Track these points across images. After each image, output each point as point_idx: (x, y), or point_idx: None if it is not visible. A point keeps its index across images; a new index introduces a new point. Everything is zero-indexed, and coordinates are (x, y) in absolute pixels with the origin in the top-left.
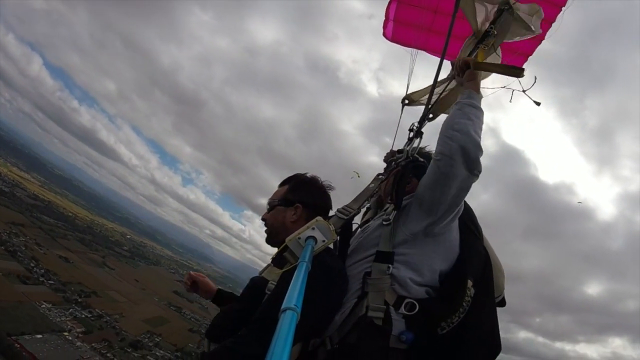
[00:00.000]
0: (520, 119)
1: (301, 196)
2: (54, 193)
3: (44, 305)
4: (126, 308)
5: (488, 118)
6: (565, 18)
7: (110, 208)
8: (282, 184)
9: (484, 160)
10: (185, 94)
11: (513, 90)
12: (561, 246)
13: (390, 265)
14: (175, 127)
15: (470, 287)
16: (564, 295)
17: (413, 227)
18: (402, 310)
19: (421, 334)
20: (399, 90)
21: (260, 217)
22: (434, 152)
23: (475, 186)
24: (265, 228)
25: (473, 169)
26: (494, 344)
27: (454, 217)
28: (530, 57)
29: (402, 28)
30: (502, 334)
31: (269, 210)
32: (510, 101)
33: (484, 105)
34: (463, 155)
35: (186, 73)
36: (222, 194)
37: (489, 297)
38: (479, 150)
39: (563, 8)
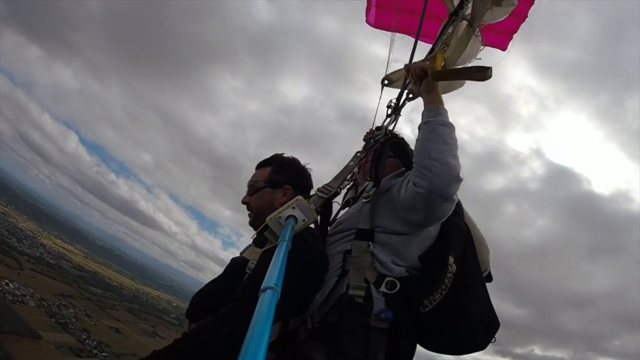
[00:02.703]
0: (562, 136)
1: (288, 177)
2: (98, 263)
3: None
4: None
5: (530, 141)
6: (584, 25)
7: (153, 276)
8: (261, 166)
9: (534, 185)
10: (221, 159)
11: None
12: (630, 258)
13: (370, 243)
14: (212, 191)
15: (452, 264)
16: None
17: (392, 226)
18: (383, 288)
19: (402, 313)
20: None
21: (241, 201)
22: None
23: (531, 213)
24: (249, 212)
25: (450, 200)
26: (489, 320)
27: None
28: (562, 71)
29: (384, 12)
30: None
31: (253, 192)
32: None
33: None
34: (442, 189)
35: (221, 139)
36: None
37: (475, 273)
38: (457, 179)
39: None
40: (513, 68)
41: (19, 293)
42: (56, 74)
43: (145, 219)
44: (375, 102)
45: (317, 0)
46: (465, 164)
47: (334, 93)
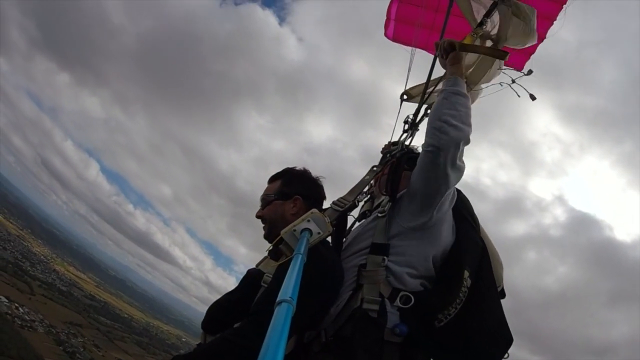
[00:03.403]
0: (585, 182)
1: (298, 188)
2: (109, 293)
3: None
4: None
5: (553, 187)
6: (610, 74)
7: (164, 310)
8: (272, 180)
9: (556, 231)
10: (241, 196)
11: (509, 83)
12: None
13: (385, 257)
14: (230, 228)
15: (467, 278)
16: None
17: (408, 220)
18: (397, 302)
19: (417, 327)
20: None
21: (255, 215)
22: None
23: (552, 260)
24: (263, 225)
25: (458, 158)
26: (503, 335)
27: (448, 207)
28: (587, 118)
29: (403, 27)
30: None
31: (264, 205)
32: (509, 87)
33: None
34: (453, 146)
35: (243, 176)
36: None
37: (490, 288)
38: (466, 140)
39: (564, 5)
40: (539, 114)
41: (28, 318)
42: (83, 102)
43: (160, 252)
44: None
45: (348, 43)
46: (487, 209)
47: (359, 135)
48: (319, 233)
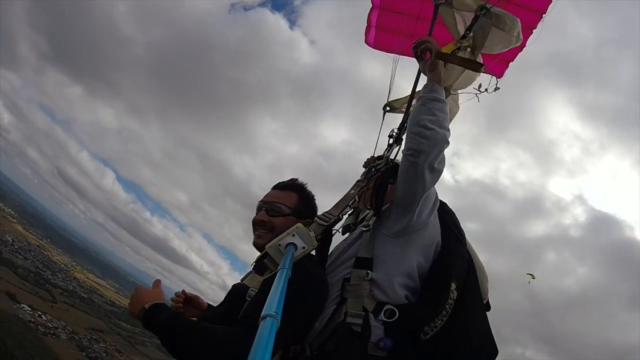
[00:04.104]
0: (606, 182)
1: (311, 212)
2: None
3: None
4: None
5: (573, 187)
6: (629, 71)
7: None
8: (283, 188)
9: (576, 232)
10: (256, 201)
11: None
12: None
13: (369, 272)
14: (247, 233)
15: (454, 290)
16: None
17: (390, 226)
18: (382, 316)
19: (402, 341)
20: (475, 173)
21: (256, 219)
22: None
23: (572, 261)
24: (263, 231)
25: (437, 161)
26: (489, 348)
27: (429, 214)
28: (607, 117)
29: (383, 34)
30: None
31: (275, 215)
32: (486, 91)
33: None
34: (432, 149)
35: (258, 181)
36: None
37: (476, 300)
38: (444, 143)
39: (544, 15)
40: (558, 112)
41: (51, 325)
42: (97, 112)
43: (177, 257)
44: None
45: (361, 44)
46: (506, 209)
47: (375, 138)
48: (303, 247)
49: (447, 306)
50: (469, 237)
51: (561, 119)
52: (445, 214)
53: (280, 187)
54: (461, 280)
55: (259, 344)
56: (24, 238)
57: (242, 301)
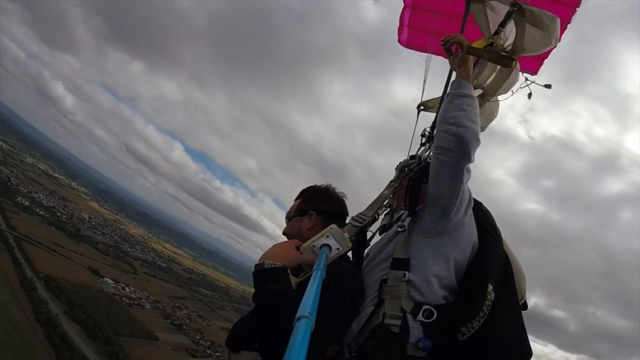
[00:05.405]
0: None
1: (314, 204)
2: (206, 266)
3: None
4: None
5: None
6: None
7: None
8: (296, 198)
9: None
10: (327, 163)
11: (525, 84)
12: None
13: (406, 272)
14: None
15: (491, 291)
16: None
17: (427, 227)
18: (420, 317)
19: (440, 341)
20: (550, 129)
21: (282, 232)
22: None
23: None
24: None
25: (468, 157)
26: (523, 349)
27: (465, 213)
28: None
29: (416, 34)
30: None
31: (287, 222)
32: (527, 92)
33: None
34: (461, 145)
35: (328, 143)
36: None
37: (513, 301)
38: (475, 139)
39: (577, 8)
40: (636, 64)
41: (134, 296)
42: (160, 87)
43: (249, 223)
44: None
45: None
46: (582, 167)
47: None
48: (338, 249)
49: (484, 307)
50: (544, 194)
51: None
52: (482, 214)
53: (295, 199)
54: (498, 281)
55: (294, 345)
56: (100, 214)
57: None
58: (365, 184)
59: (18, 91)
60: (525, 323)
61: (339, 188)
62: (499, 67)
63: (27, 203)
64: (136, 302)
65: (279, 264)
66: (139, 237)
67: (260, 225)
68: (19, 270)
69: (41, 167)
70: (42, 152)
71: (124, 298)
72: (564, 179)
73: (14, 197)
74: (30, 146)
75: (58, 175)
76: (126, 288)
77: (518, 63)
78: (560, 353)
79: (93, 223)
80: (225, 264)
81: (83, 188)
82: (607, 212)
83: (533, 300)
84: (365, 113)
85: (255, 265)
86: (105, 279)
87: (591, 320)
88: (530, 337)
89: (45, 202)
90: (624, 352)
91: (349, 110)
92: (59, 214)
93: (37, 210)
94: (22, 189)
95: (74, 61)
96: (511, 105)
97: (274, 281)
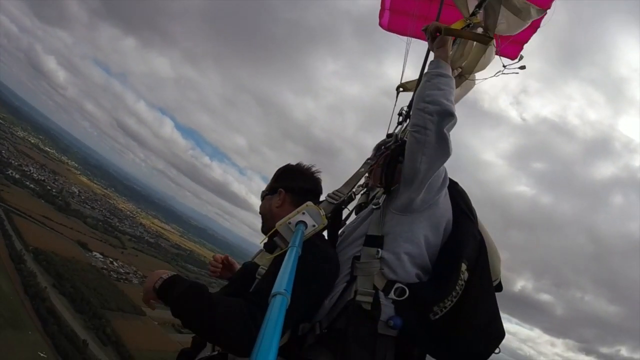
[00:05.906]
0: None
1: (284, 182)
2: (193, 242)
3: None
4: None
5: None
6: None
7: (243, 255)
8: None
9: None
10: (318, 143)
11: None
12: None
13: (379, 250)
14: None
15: (464, 271)
16: None
17: (400, 202)
18: (392, 295)
19: (412, 320)
20: (543, 111)
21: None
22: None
23: (639, 204)
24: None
25: (444, 135)
26: (495, 330)
27: (438, 191)
28: None
29: (397, 17)
30: None
31: (262, 201)
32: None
33: None
34: (436, 123)
35: (319, 122)
36: None
37: (486, 281)
38: (450, 117)
39: None
40: (632, 49)
41: (122, 271)
42: (152, 63)
43: (237, 200)
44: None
45: None
46: (574, 150)
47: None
48: (313, 226)
49: (457, 287)
50: (535, 177)
51: (636, 56)
52: (457, 193)
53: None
54: (472, 261)
55: (269, 321)
56: (90, 189)
57: (252, 279)
58: (355, 163)
59: (10, 65)
60: (512, 307)
61: (329, 168)
62: (475, 44)
63: (17, 176)
64: (124, 277)
65: (164, 276)
66: (128, 212)
67: (247, 203)
68: (8, 242)
69: (32, 141)
70: (33, 125)
71: (112, 272)
72: (555, 162)
73: (4, 169)
74: (21, 120)
75: (49, 149)
76: (114, 262)
77: (494, 40)
78: (546, 337)
79: (83, 197)
80: (212, 240)
81: (73, 162)
82: (598, 196)
83: (520, 283)
84: (357, 93)
85: (155, 290)
86: (94, 253)
87: (579, 304)
88: (515, 321)
89: (35, 175)
90: (610, 337)
91: (340, 89)
92: (49, 188)
93: (28, 183)
94: (12, 162)
95: (67, 36)
96: (504, 87)
97: (177, 287)
